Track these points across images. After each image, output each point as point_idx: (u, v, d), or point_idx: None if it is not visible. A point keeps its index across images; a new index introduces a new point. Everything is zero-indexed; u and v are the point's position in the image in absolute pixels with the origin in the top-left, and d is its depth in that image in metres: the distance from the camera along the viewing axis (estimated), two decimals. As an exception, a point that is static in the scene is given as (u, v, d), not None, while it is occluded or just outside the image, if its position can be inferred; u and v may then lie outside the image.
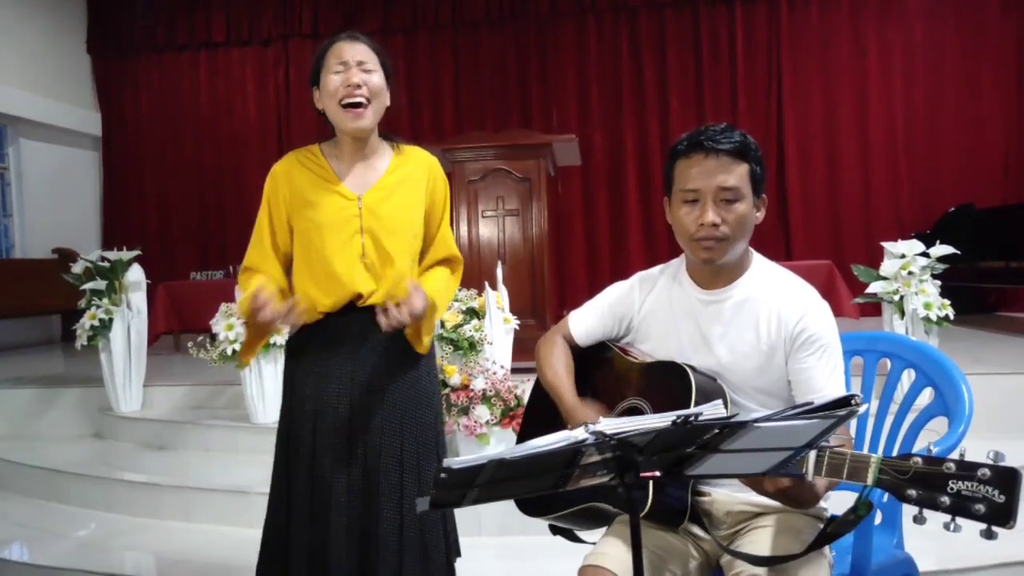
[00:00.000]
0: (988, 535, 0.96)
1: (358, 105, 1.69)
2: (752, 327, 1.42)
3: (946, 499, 0.99)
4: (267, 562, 1.79)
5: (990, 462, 0.97)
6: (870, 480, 1.07)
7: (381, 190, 1.76)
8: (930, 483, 1.01)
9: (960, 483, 0.98)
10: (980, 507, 0.96)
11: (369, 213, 1.73)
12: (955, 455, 1.01)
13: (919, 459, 1.03)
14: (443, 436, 1.91)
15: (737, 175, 1.38)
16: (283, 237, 1.78)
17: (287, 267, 1.80)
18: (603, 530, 1.48)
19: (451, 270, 1.89)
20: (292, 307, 1.64)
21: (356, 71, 1.69)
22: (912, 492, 1.02)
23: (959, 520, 0.99)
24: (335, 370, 1.75)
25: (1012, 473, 0.95)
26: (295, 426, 1.77)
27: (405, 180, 1.79)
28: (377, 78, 1.72)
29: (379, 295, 1.73)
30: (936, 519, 1.03)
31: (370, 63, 1.72)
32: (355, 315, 1.74)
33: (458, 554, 1.90)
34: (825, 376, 1.37)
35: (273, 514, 1.79)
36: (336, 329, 1.75)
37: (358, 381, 1.74)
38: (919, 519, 1.03)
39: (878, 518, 1.60)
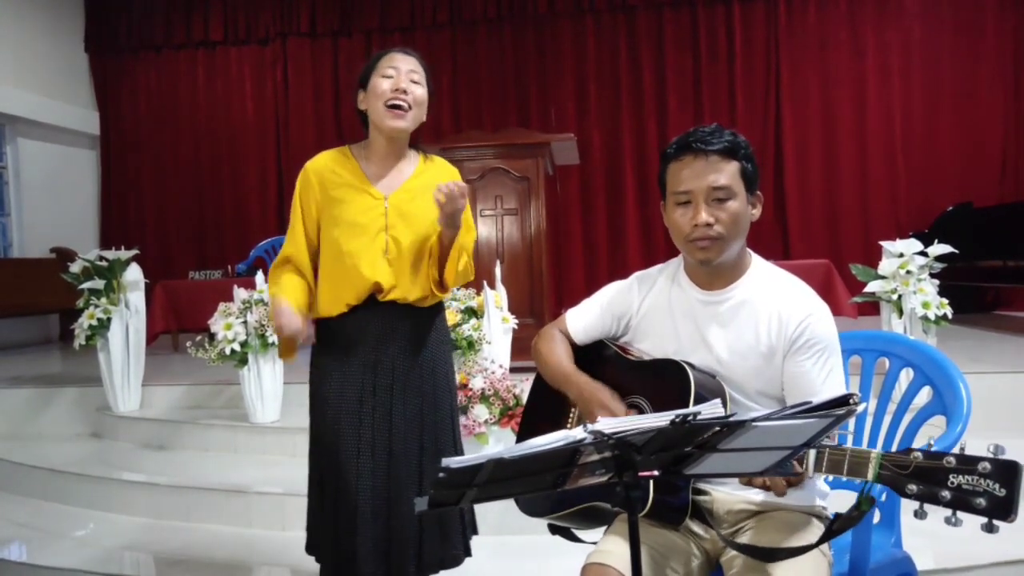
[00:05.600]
0: (989, 529, 0.96)
1: (400, 107, 1.81)
2: (752, 328, 1.42)
3: (947, 493, 0.99)
4: (312, 547, 1.95)
5: (990, 456, 0.97)
6: (871, 476, 1.07)
7: (407, 192, 1.88)
8: (931, 478, 1.01)
9: (960, 477, 0.98)
10: (981, 501, 0.96)
11: (394, 212, 1.85)
12: (955, 449, 1.01)
13: (919, 454, 1.03)
14: (459, 426, 2.03)
15: (728, 174, 1.38)
16: (313, 232, 1.90)
17: (316, 260, 1.92)
18: (602, 529, 1.48)
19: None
20: (304, 336, 1.80)
21: (405, 78, 1.83)
22: (912, 487, 1.02)
23: (960, 514, 0.99)
24: (358, 362, 1.86)
25: (1012, 466, 0.95)
26: (321, 418, 1.89)
27: (429, 184, 1.88)
28: (421, 91, 1.87)
29: (399, 291, 1.84)
30: (935, 517, 1.03)
31: (419, 76, 1.87)
32: (377, 309, 1.85)
33: (474, 532, 2.03)
34: (820, 379, 1.37)
35: (314, 503, 1.92)
36: (359, 322, 1.87)
37: (380, 373, 1.86)
38: (920, 514, 1.03)
39: (876, 517, 1.60)
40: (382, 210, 1.85)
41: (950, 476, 0.99)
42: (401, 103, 1.80)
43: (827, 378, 1.38)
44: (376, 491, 1.82)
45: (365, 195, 1.85)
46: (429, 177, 1.90)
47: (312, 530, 1.95)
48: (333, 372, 1.88)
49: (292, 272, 1.90)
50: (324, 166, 1.89)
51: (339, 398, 1.86)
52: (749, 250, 1.48)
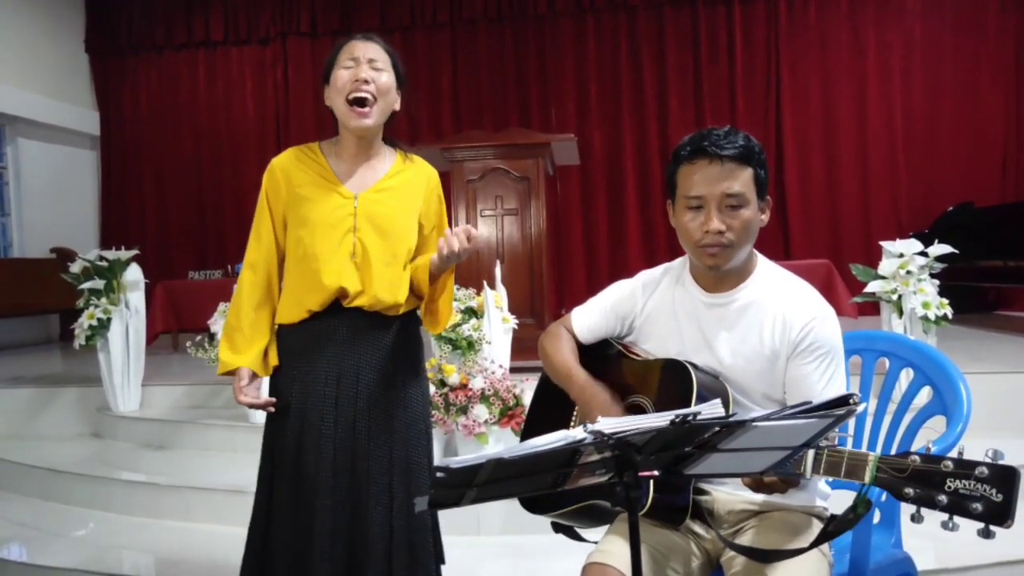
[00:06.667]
0: (986, 534, 0.96)
1: (364, 102, 1.69)
2: (756, 331, 1.41)
3: (944, 498, 0.98)
4: (249, 566, 1.76)
5: (988, 460, 0.96)
6: (867, 478, 1.06)
7: (379, 192, 1.76)
8: (928, 481, 1.00)
9: (958, 481, 0.97)
10: (978, 506, 0.95)
11: (364, 213, 1.73)
12: (953, 453, 1.00)
13: (917, 457, 1.02)
14: (430, 437, 1.88)
15: (742, 181, 1.36)
16: (281, 233, 1.79)
17: (283, 261, 1.80)
18: (604, 528, 1.48)
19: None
20: (265, 404, 1.74)
21: (366, 68, 1.69)
22: (910, 490, 1.01)
23: (957, 519, 0.98)
24: (320, 372, 1.73)
25: (1010, 472, 0.94)
26: (279, 430, 1.76)
27: (403, 185, 1.78)
28: (386, 78, 1.72)
29: (366, 297, 1.72)
30: (934, 518, 1.02)
31: (381, 62, 1.72)
32: (343, 315, 1.73)
33: (442, 561, 1.87)
34: (822, 384, 1.36)
35: (255, 520, 1.77)
36: (323, 329, 1.74)
37: (344, 383, 1.73)
38: (916, 518, 1.03)
39: (876, 517, 1.60)
40: (351, 210, 1.72)
41: (947, 480, 0.98)
42: (364, 95, 1.67)
43: (828, 383, 1.37)
44: (336, 511, 1.68)
45: (333, 194, 1.73)
46: (405, 178, 1.79)
47: (253, 560, 1.74)
48: (294, 383, 1.74)
49: (258, 292, 1.77)
50: (291, 163, 1.77)
51: (300, 411, 1.72)
52: (755, 251, 1.47)
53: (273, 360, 1.78)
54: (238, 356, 1.75)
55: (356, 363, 1.73)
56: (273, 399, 1.75)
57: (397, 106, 1.78)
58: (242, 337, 1.76)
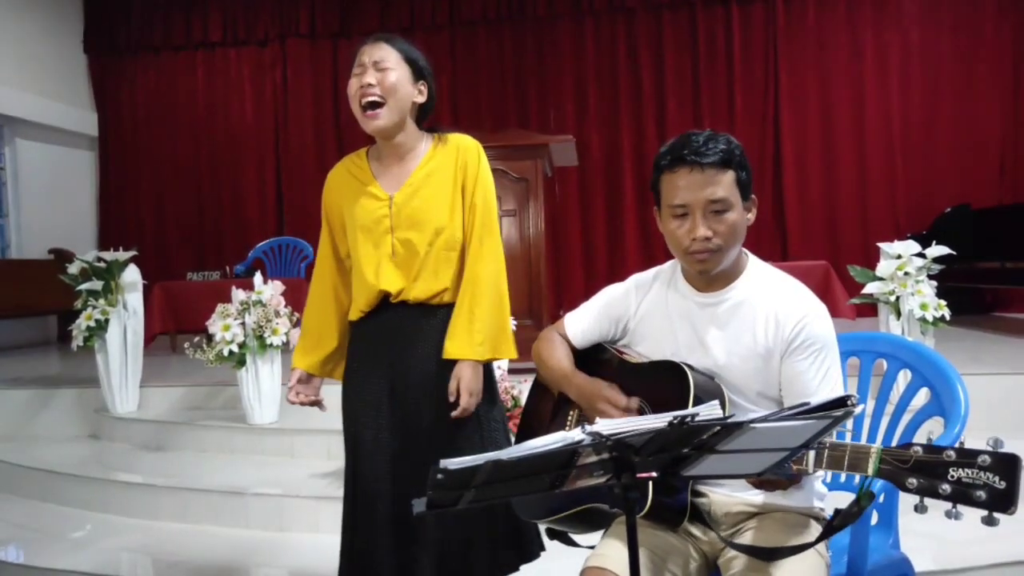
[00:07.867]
0: (989, 521, 0.97)
1: (374, 105, 1.71)
2: (749, 330, 1.42)
3: (947, 487, 1.00)
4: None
5: (990, 449, 0.98)
6: (871, 470, 1.07)
7: (410, 186, 1.78)
8: (931, 471, 1.02)
9: (960, 470, 0.99)
10: (981, 494, 0.97)
11: (398, 211, 1.76)
12: (955, 444, 1.02)
13: (919, 448, 1.04)
14: (498, 427, 1.85)
15: (724, 185, 1.36)
16: (341, 241, 1.86)
17: (350, 269, 1.86)
18: (600, 533, 1.48)
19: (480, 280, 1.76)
20: (312, 403, 1.88)
21: (370, 72, 1.72)
22: (913, 481, 1.03)
23: (960, 507, 1.00)
24: (373, 370, 1.78)
25: (1012, 459, 0.96)
26: (345, 432, 1.85)
27: (434, 172, 1.79)
28: (394, 76, 1.73)
29: (408, 293, 1.76)
30: (935, 515, 1.03)
31: (388, 61, 1.73)
32: (390, 311, 1.77)
33: (541, 548, 1.84)
34: (817, 380, 1.37)
35: (344, 514, 1.85)
36: (373, 328, 1.79)
37: (396, 379, 1.77)
38: (920, 508, 1.04)
39: (874, 518, 1.60)
40: (386, 211, 1.75)
41: (950, 470, 1.00)
42: (369, 99, 1.70)
43: (823, 378, 1.38)
44: (398, 499, 1.71)
45: (371, 197, 1.77)
46: (436, 164, 1.79)
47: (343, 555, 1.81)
48: (351, 381, 1.83)
49: (324, 301, 1.87)
50: (340, 174, 1.85)
51: (357, 408, 1.80)
52: (745, 251, 1.48)
53: (340, 367, 1.89)
54: (299, 359, 1.89)
55: (407, 357, 1.77)
56: (320, 399, 1.89)
57: (419, 98, 1.80)
58: (309, 342, 1.89)
